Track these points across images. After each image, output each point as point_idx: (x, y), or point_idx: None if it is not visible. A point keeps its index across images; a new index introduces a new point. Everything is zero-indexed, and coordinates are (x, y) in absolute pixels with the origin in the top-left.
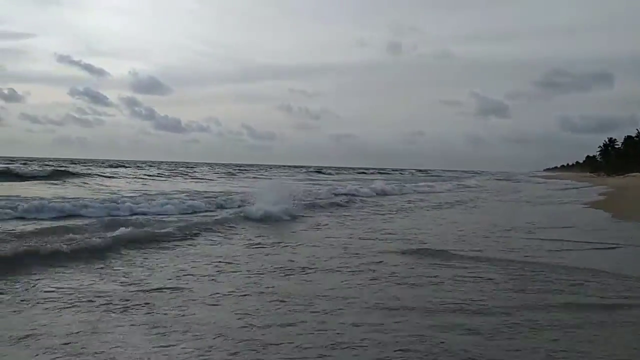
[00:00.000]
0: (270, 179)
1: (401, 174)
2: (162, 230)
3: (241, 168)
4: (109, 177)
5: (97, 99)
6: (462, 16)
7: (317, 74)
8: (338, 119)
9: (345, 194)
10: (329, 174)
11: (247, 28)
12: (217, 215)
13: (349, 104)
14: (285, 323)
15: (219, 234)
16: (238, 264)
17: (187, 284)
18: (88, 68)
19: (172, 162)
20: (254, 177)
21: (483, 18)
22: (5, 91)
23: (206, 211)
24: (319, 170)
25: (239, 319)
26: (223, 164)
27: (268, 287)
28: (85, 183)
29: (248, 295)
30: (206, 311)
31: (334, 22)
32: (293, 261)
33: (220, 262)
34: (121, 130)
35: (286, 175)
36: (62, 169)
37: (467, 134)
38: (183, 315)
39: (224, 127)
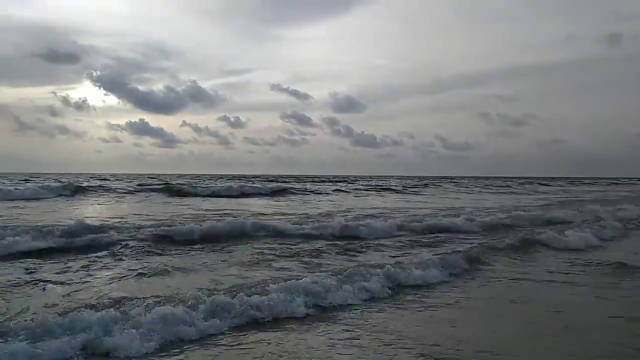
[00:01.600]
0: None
1: None
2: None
3: (442, 180)
4: (343, 192)
5: (302, 120)
6: None
7: (517, 77)
8: (544, 123)
9: None
10: (544, 184)
11: (436, 39)
12: None
13: (557, 107)
14: None
15: None
16: None
17: None
18: (295, 94)
19: (369, 176)
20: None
21: None
22: (232, 119)
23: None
24: (533, 182)
25: None
26: (417, 176)
27: None
28: (328, 199)
29: None
30: None
31: (531, 20)
32: None
33: None
34: (323, 147)
35: (481, 187)
36: (285, 185)
37: None
38: None
39: (417, 140)
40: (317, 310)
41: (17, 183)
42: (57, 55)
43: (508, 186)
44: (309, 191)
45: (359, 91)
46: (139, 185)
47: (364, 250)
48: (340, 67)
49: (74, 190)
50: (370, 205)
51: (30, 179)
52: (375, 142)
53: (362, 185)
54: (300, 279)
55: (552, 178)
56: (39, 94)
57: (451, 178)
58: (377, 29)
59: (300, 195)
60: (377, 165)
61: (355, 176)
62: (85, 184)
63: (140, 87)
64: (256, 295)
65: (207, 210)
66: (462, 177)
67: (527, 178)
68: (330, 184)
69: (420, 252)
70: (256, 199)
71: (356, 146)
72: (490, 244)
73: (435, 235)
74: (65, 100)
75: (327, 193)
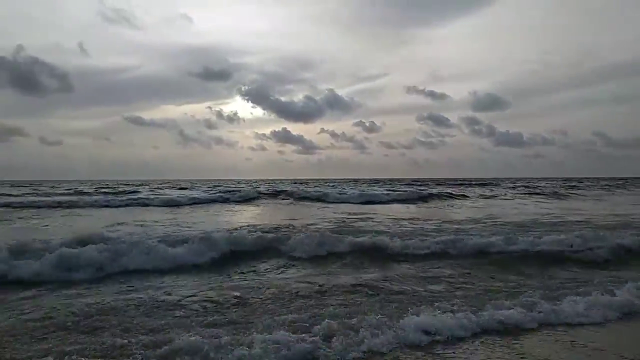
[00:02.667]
0: None
1: None
2: None
3: (610, 182)
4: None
5: (439, 121)
6: None
7: None
8: None
9: None
10: None
11: (590, 25)
12: None
13: None
14: None
15: None
16: None
17: None
18: (431, 94)
19: (515, 178)
20: None
21: None
22: (367, 124)
23: None
24: None
25: None
26: (574, 178)
27: None
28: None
29: None
30: None
31: None
32: None
33: None
34: (462, 149)
35: None
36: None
37: None
38: None
39: (571, 138)
40: None
41: (202, 188)
42: (212, 73)
43: None
44: (455, 195)
45: (502, 88)
46: (283, 192)
47: None
48: (480, 64)
49: (255, 196)
50: (532, 211)
51: (195, 185)
52: (521, 142)
53: (511, 188)
54: None
55: None
56: (198, 109)
57: (619, 179)
58: (521, 21)
59: (448, 200)
60: (524, 166)
61: (499, 178)
62: (248, 189)
63: (283, 98)
64: None
65: (380, 215)
66: (633, 179)
67: None
68: (470, 186)
69: None
70: (404, 205)
71: (499, 146)
72: None
73: None
74: (219, 114)
75: (484, 196)
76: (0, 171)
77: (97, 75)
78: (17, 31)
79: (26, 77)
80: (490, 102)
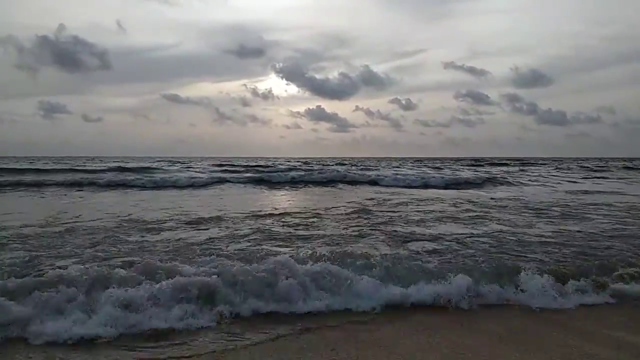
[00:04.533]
0: None
1: None
2: None
3: None
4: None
5: (478, 98)
6: None
7: None
8: None
9: None
10: None
11: None
12: None
13: None
14: None
15: None
16: None
17: None
18: (471, 71)
19: (560, 158)
20: None
21: None
22: (403, 102)
23: None
24: None
25: None
26: (624, 158)
27: None
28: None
29: None
30: None
31: None
32: None
33: None
34: (502, 127)
35: None
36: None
37: None
38: None
39: (619, 116)
40: None
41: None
42: (247, 50)
43: None
44: (515, 181)
45: (546, 63)
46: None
47: None
48: (523, 38)
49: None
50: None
51: (232, 163)
52: (565, 120)
53: (562, 168)
54: None
55: None
56: (233, 87)
57: None
58: None
59: (515, 187)
60: (568, 145)
61: (542, 158)
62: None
63: (317, 76)
64: None
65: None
66: None
67: None
68: (511, 166)
69: None
70: (468, 190)
71: (542, 125)
72: None
73: None
74: (254, 92)
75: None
76: (45, 147)
77: (135, 53)
78: (59, 11)
79: (68, 55)
80: (532, 79)
